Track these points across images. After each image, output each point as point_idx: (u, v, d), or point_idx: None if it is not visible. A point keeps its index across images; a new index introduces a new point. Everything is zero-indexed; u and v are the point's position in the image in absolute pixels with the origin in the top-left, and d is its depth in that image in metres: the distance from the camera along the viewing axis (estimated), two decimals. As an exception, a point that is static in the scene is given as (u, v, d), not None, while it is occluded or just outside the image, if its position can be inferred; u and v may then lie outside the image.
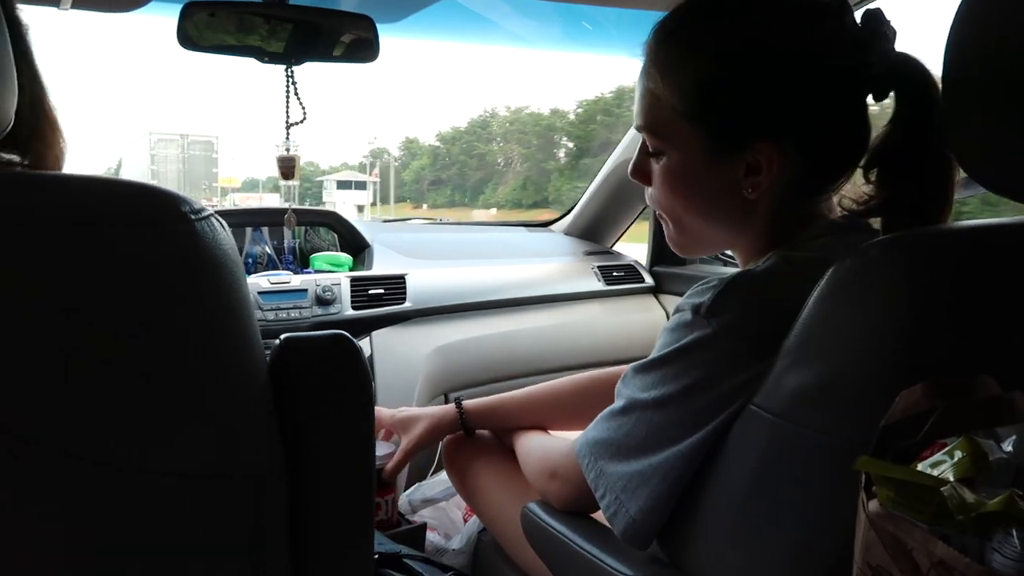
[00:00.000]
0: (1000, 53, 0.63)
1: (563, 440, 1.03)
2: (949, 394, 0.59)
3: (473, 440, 1.23)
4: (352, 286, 1.64)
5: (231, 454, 0.48)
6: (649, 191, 0.90)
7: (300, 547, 0.54)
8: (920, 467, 0.56)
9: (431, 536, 1.34)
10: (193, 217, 0.47)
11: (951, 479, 0.52)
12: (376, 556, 0.92)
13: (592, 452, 0.87)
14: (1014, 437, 0.57)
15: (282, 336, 0.55)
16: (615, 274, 2.13)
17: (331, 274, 1.67)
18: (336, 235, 1.88)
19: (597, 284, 2.07)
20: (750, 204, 0.83)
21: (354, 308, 1.62)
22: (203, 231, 0.47)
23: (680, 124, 0.82)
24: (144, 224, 0.44)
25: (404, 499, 1.42)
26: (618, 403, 0.86)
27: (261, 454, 0.50)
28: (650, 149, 0.86)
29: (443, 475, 1.47)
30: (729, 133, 0.81)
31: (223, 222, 0.50)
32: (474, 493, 1.21)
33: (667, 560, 0.86)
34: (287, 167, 1.38)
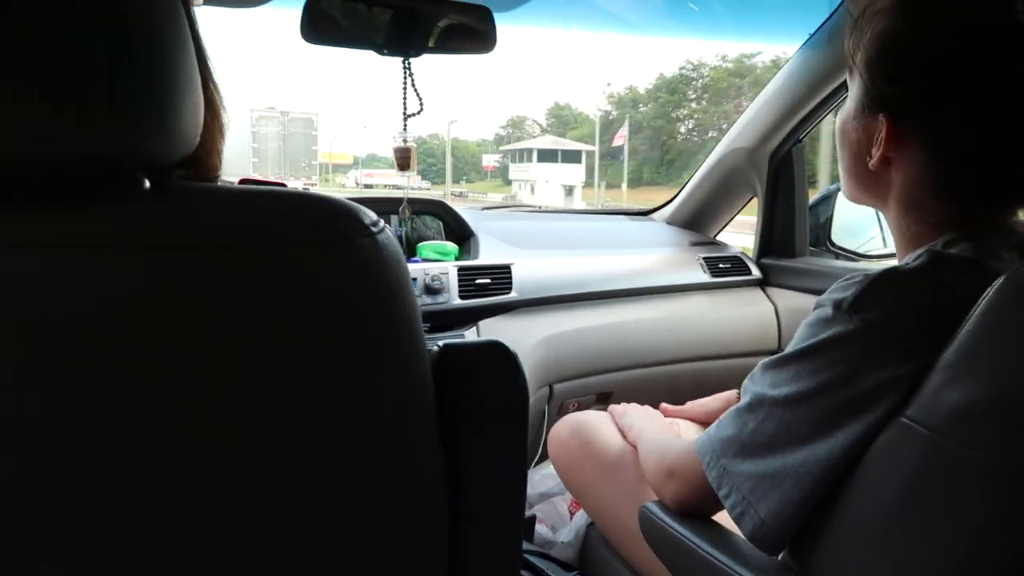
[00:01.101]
0: None
1: (684, 440, 1.01)
2: None
3: (579, 436, 1.23)
4: (460, 276, 1.65)
5: (405, 463, 0.49)
6: None
7: (456, 552, 0.54)
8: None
9: (539, 528, 1.35)
10: (374, 230, 0.47)
11: None
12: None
13: (714, 450, 0.85)
14: None
15: (441, 343, 0.55)
16: (721, 266, 2.08)
17: (439, 263, 1.69)
18: (442, 223, 1.89)
19: (703, 276, 2.03)
20: (878, 176, 0.85)
21: (461, 298, 1.63)
22: (383, 243, 0.48)
23: (855, 69, 0.86)
24: (334, 240, 0.45)
25: None
26: (744, 400, 0.84)
27: (428, 462, 0.51)
28: None
29: (551, 469, 1.48)
30: (871, 94, 0.84)
31: (393, 233, 0.50)
32: (582, 489, 1.21)
33: (798, 570, 0.83)
34: (404, 158, 1.39)
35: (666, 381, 1.88)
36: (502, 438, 0.55)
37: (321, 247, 0.45)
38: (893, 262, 0.85)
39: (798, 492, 0.77)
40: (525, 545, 1.00)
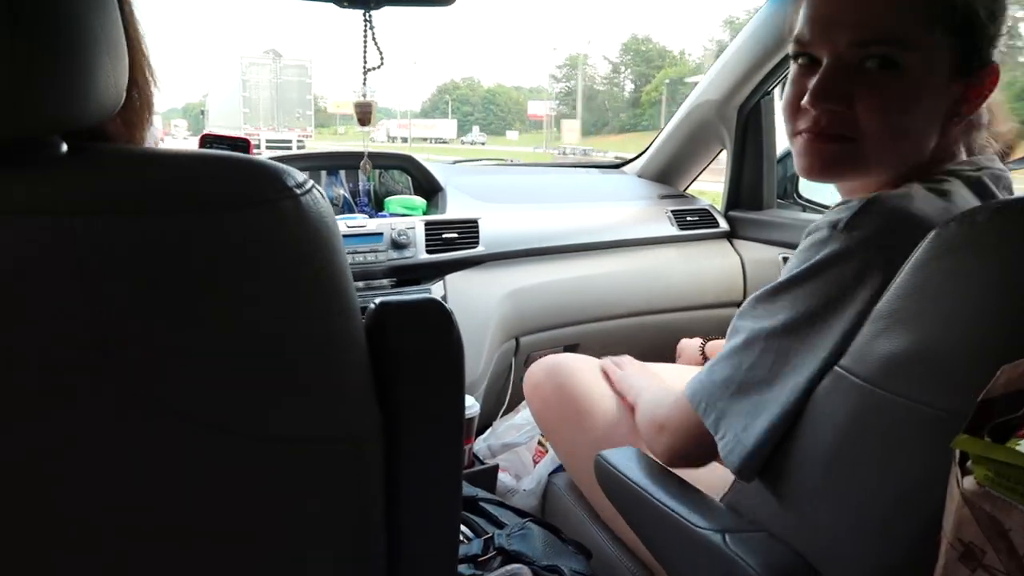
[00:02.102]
0: None
1: (673, 392, 1.00)
2: (1055, 369, 0.56)
3: (554, 379, 1.22)
4: (427, 230, 1.65)
5: (337, 419, 0.50)
6: (825, 108, 0.82)
7: (393, 506, 0.56)
8: (1020, 445, 0.54)
9: (502, 477, 1.38)
10: (298, 192, 0.48)
11: (1054, 460, 0.50)
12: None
13: (711, 395, 0.85)
14: (1124, 417, 0.54)
15: (377, 301, 0.56)
16: (689, 219, 2.09)
17: (406, 218, 1.69)
18: (410, 178, 1.89)
19: (671, 229, 2.04)
20: (941, 129, 0.82)
21: (428, 252, 1.63)
22: (307, 205, 0.48)
23: (930, 35, 0.78)
24: (255, 203, 0.46)
25: (484, 445, 1.46)
26: (737, 339, 0.83)
27: (362, 418, 0.52)
28: (870, 62, 0.79)
29: (515, 420, 1.51)
30: (980, 50, 0.80)
31: (322, 192, 0.51)
32: (553, 431, 1.22)
33: (743, 514, 0.86)
34: (364, 113, 1.38)
35: (634, 332, 1.91)
36: (437, 394, 0.56)
37: (240, 210, 0.45)
38: None
39: (782, 417, 0.77)
40: (482, 494, 1.03)
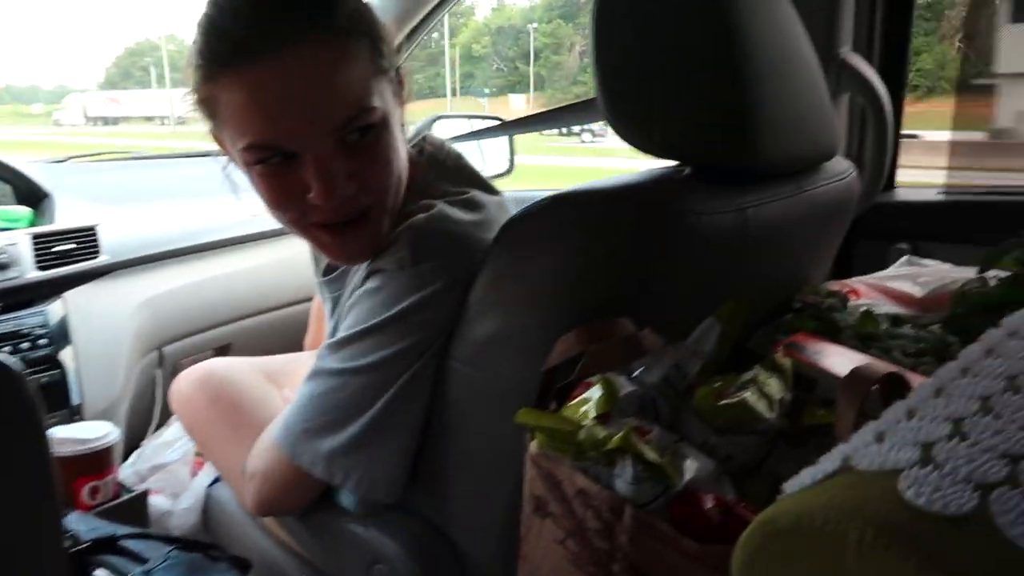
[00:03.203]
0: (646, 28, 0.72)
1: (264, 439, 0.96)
2: (596, 337, 0.68)
3: (207, 390, 1.14)
4: (34, 244, 1.47)
5: None
6: (339, 198, 0.80)
7: None
8: (573, 404, 0.65)
9: (156, 500, 1.30)
10: None
11: (592, 414, 0.62)
12: (89, 543, 0.88)
13: (310, 447, 0.85)
14: (641, 368, 0.68)
15: None
16: None
17: (6, 232, 1.48)
18: (10, 186, 1.65)
19: None
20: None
21: (40, 268, 1.46)
22: None
23: (376, 84, 0.80)
24: None
25: (131, 471, 1.35)
26: (327, 382, 0.84)
27: None
28: (351, 136, 0.79)
29: (166, 437, 1.43)
30: (396, 66, 0.85)
31: None
32: (208, 445, 1.15)
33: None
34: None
35: (289, 324, 1.89)
36: (15, 458, 0.52)
37: None
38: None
39: (411, 437, 0.83)
40: (123, 530, 0.97)
